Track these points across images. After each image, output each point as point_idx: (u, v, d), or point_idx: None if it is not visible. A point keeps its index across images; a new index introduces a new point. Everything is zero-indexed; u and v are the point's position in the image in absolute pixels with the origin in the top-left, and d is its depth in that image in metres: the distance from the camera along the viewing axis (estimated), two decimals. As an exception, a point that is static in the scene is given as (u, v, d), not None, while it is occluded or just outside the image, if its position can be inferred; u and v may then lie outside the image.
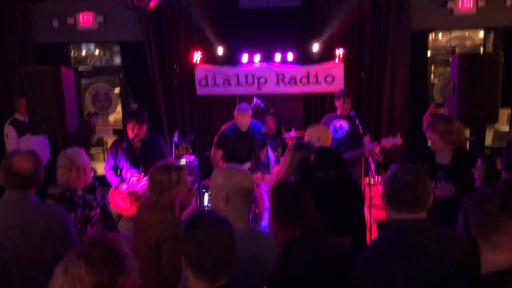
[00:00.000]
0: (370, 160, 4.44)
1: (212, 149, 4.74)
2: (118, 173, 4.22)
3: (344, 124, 4.69)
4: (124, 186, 4.09)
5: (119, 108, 7.89)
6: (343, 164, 2.77)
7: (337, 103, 4.78)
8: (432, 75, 7.42)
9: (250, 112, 4.62)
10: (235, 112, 4.61)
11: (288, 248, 1.96)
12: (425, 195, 1.69)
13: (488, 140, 7.38)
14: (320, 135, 3.44)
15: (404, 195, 1.68)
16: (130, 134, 4.07)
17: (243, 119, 4.53)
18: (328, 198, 2.44)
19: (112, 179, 4.17)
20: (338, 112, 4.80)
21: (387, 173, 1.78)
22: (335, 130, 4.69)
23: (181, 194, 2.35)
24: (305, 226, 2.01)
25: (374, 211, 4.60)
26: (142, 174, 4.08)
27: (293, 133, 5.58)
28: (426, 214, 1.73)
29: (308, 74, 6.08)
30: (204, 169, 6.87)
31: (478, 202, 1.40)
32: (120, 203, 4.17)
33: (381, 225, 1.84)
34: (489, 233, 1.35)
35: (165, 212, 2.25)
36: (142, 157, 4.11)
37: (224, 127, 4.81)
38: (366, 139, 4.61)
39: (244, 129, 4.58)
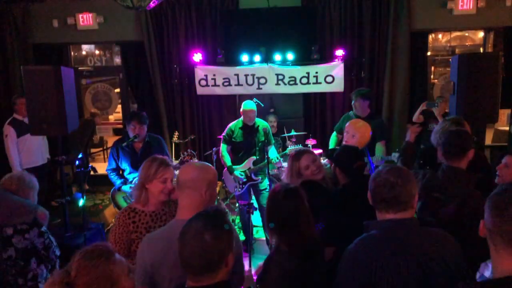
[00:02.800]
0: (370, 160, 4.44)
1: (220, 145, 4.80)
2: (121, 174, 4.22)
3: None
4: (126, 187, 4.09)
5: (119, 108, 7.90)
6: (359, 172, 2.60)
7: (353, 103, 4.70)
8: (432, 75, 7.43)
9: (255, 107, 4.68)
10: (242, 107, 4.67)
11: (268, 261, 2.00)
12: (403, 195, 1.69)
13: (488, 140, 7.38)
14: (354, 132, 3.36)
15: (382, 194, 1.71)
16: (131, 135, 4.07)
17: (250, 113, 4.60)
18: (329, 208, 2.39)
19: (115, 180, 4.17)
20: (355, 112, 4.69)
21: (374, 172, 1.82)
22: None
23: None
24: (293, 238, 1.98)
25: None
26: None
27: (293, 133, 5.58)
28: (411, 214, 1.73)
29: (308, 74, 6.07)
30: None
31: None
32: (122, 204, 4.18)
33: (365, 226, 1.82)
34: None
35: None
36: (144, 158, 4.10)
37: (229, 124, 4.85)
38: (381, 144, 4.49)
39: (250, 123, 4.64)
